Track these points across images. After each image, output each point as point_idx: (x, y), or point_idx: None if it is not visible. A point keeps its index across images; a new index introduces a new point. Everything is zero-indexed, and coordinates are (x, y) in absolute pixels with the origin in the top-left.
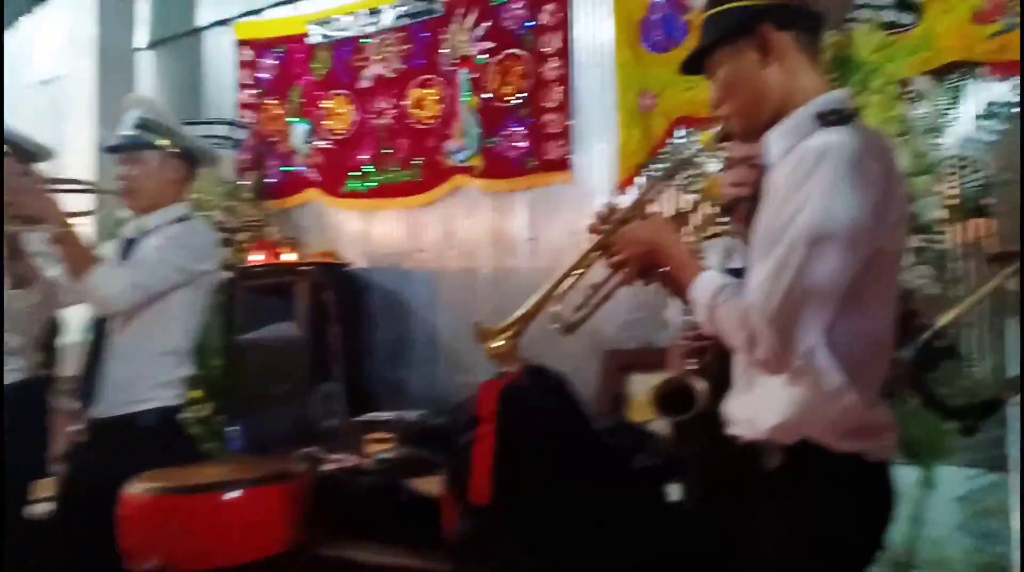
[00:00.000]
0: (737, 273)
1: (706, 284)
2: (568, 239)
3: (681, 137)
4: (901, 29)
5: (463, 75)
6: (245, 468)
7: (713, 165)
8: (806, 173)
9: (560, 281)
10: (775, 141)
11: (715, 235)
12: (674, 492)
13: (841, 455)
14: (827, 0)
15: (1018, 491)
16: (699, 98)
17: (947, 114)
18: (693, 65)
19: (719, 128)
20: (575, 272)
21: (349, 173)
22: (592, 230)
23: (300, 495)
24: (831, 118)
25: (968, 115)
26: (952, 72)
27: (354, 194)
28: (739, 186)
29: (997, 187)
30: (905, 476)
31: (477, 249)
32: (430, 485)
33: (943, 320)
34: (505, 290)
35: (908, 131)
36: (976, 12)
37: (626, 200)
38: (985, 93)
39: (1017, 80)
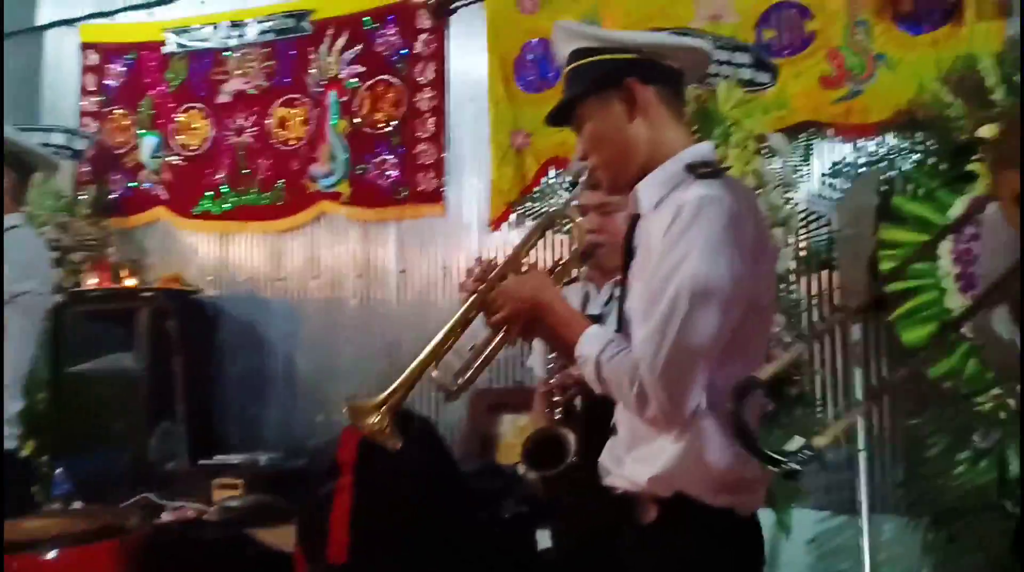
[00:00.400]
0: (594, 320)
1: (592, 340)
2: (440, 273)
3: (553, 179)
4: (758, 87)
5: (332, 97)
6: (68, 521)
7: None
8: (685, 226)
9: (439, 345)
10: (645, 192)
11: (573, 280)
12: (544, 539)
13: (715, 509)
14: (686, 58)
15: (867, 532)
16: (570, 140)
17: (798, 170)
18: (560, 116)
19: (584, 178)
20: (454, 333)
21: (203, 192)
22: (467, 289)
23: (132, 552)
24: (703, 170)
25: (816, 173)
26: (803, 131)
27: (207, 215)
28: (593, 233)
29: (841, 242)
30: (761, 520)
31: (342, 279)
32: (281, 537)
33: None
34: (372, 324)
35: (763, 185)
36: (824, 77)
37: (498, 244)
38: (831, 153)
39: (861, 142)
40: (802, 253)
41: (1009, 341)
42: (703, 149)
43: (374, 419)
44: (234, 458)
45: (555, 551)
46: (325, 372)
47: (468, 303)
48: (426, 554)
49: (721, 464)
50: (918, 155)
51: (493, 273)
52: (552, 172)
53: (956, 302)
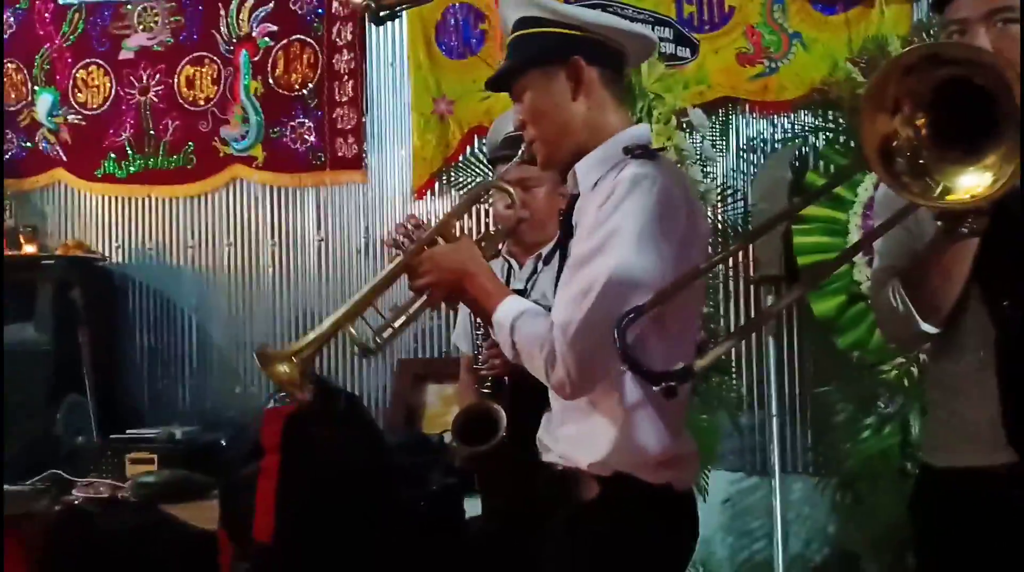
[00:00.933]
0: (518, 294)
1: (510, 307)
2: (362, 242)
3: (478, 148)
4: (679, 62)
5: (243, 57)
6: None
7: None
8: (617, 202)
9: (360, 302)
10: (584, 172)
11: (496, 254)
12: (472, 507)
13: (655, 486)
14: (633, 44)
15: (779, 493)
16: (496, 108)
17: (716, 146)
18: (500, 82)
19: (521, 151)
20: (376, 291)
21: (105, 154)
22: (393, 245)
23: (38, 539)
24: (638, 152)
25: (733, 148)
26: (721, 107)
27: (111, 178)
28: (511, 208)
29: (756, 216)
30: None
31: (259, 247)
32: (200, 513)
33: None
34: (290, 293)
35: (683, 159)
36: (741, 54)
37: (421, 213)
38: (748, 129)
39: (777, 118)
40: (719, 226)
41: (903, 313)
42: (640, 131)
43: (284, 368)
44: (147, 432)
45: (486, 526)
46: (241, 343)
47: (394, 265)
48: (353, 532)
49: (658, 446)
50: (830, 133)
51: (423, 236)
52: (477, 141)
53: (864, 275)
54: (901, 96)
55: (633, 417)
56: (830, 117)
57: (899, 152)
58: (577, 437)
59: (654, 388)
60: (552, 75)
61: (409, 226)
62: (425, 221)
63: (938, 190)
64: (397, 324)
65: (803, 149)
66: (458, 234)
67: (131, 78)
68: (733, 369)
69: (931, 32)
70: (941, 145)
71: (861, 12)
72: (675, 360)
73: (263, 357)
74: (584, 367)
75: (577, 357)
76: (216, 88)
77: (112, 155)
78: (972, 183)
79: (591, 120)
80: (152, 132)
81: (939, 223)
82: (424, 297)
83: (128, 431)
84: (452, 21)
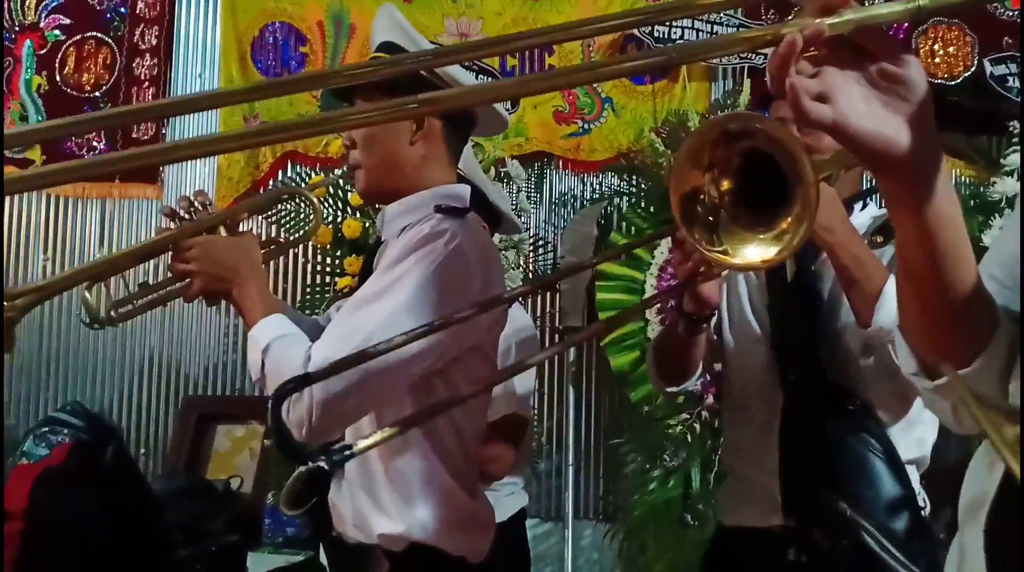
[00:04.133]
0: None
1: (271, 327)
2: (151, 261)
3: (292, 177)
4: None
5: (27, 48)
6: None
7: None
8: (407, 253)
9: (105, 264)
10: (392, 217)
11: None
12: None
13: (449, 559)
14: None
15: (570, 539)
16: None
17: (531, 197)
18: (344, 94)
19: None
20: (129, 259)
21: None
22: (169, 215)
23: None
24: (445, 208)
25: (547, 201)
26: (537, 160)
27: None
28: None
29: (563, 268)
30: None
31: (28, 261)
32: None
33: None
34: (64, 316)
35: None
36: (558, 112)
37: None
38: (560, 184)
39: (586, 177)
40: (530, 275)
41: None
42: (457, 190)
43: None
44: None
45: None
46: None
47: (161, 236)
48: None
49: (453, 509)
50: (633, 197)
51: (205, 217)
52: (290, 166)
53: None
54: (713, 158)
55: (426, 477)
56: (634, 182)
57: (701, 205)
58: (369, 503)
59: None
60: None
61: (195, 201)
62: (214, 206)
63: (720, 250)
64: (140, 302)
65: (608, 209)
66: (243, 231)
67: None
68: (535, 414)
69: (726, 110)
70: (735, 211)
71: (666, 85)
72: (473, 430)
73: None
74: (327, 411)
75: (325, 398)
76: None
77: None
78: (747, 249)
79: (420, 168)
80: None
81: (680, 321)
82: (182, 283)
83: None
84: (271, 39)
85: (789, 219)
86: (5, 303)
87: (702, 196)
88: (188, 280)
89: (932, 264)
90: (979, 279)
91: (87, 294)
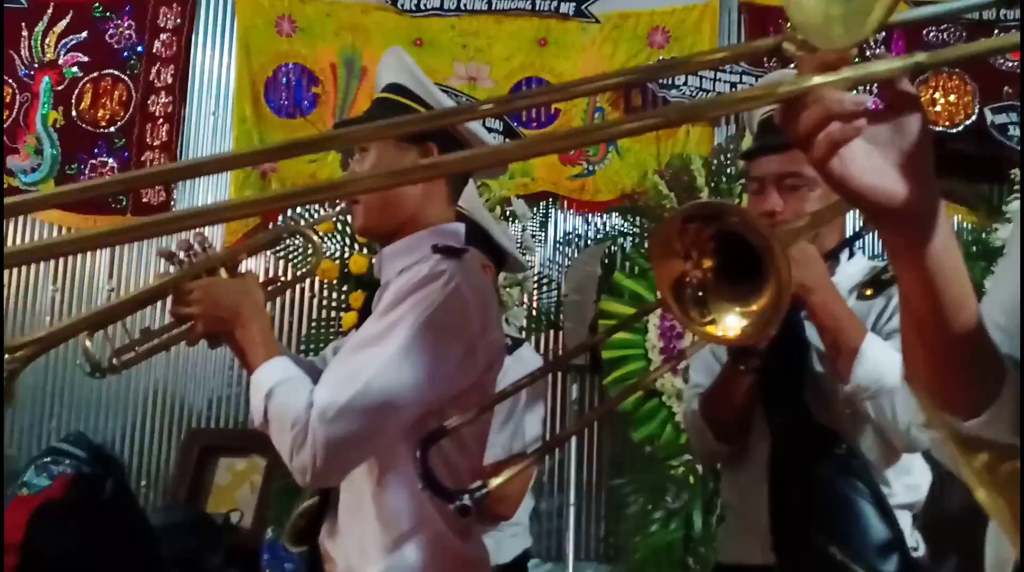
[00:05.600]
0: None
1: (274, 370)
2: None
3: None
4: None
5: (45, 84)
6: None
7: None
8: (406, 294)
9: (107, 312)
10: (389, 258)
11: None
12: None
13: None
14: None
15: None
16: (322, 173)
17: (535, 236)
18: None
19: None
20: (131, 305)
21: None
22: (167, 257)
23: None
24: (443, 248)
25: (551, 240)
26: (542, 200)
27: None
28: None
29: (568, 306)
30: None
31: (37, 292)
32: None
33: None
34: (70, 347)
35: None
36: (563, 153)
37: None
38: (564, 223)
39: (591, 217)
40: (534, 313)
41: (702, 430)
42: (454, 229)
43: None
44: None
45: None
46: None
47: (162, 281)
48: None
49: (446, 552)
50: (636, 238)
51: (205, 258)
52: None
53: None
54: (687, 244)
55: (417, 520)
56: (637, 222)
57: (689, 286)
58: (360, 545)
59: (449, 506)
60: (404, 148)
61: (194, 243)
62: (214, 247)
63: (707, 322)
64: (143, 348)
65: (612, 248)
66: (244, 271)
67: None
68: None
69: (728, 155)
70: (722, 284)
71: (670, 130)
72: (469, 467)
73: None
74: (332, 455)
75: (328, 443)
76: (7, 114)
77: None
78: (735, 323)
79: (419, 206)
80: None
81: (727, 358)
82: (184, 327)
83: None
84: (284, 80)
85: (766, 299)
86: (7, 356)
87: (688, 278)
88: (190, 324)
89: (936, 312)
90: (984, 327)
91: (87, 343)
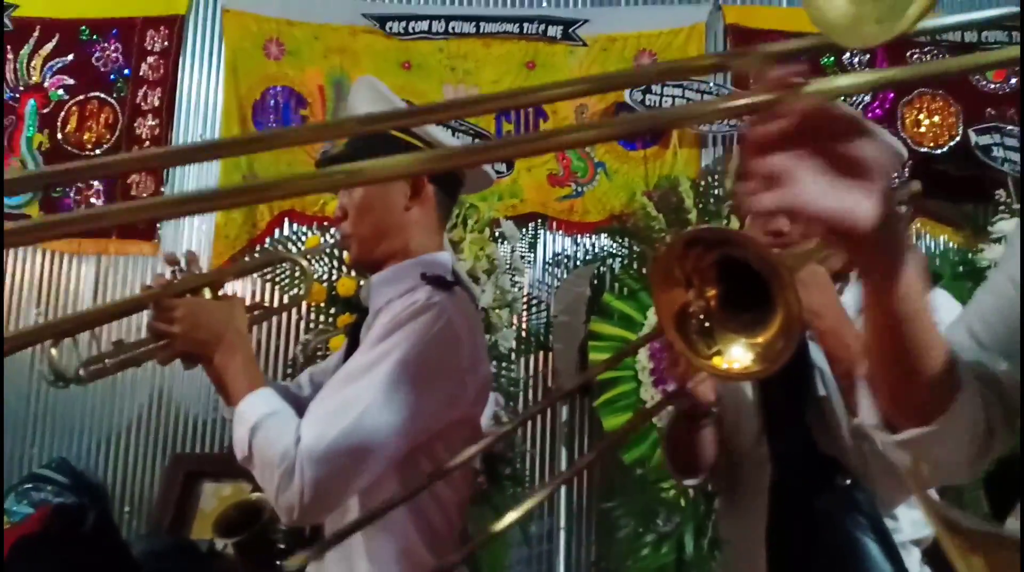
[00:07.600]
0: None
1: (260, 402)
2: (143, 319)
3: (289, 235)
4: (496, 175)
5: (30, 107)
6: None
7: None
8: (397, 326)
9: (77, 319)
10: (378, 287)
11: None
12: None
13: None
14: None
15: None
16: (309, 195)
17: (524, 257)
18: (337, 160)
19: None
20: (104, 315)
21: None
22: (156, 280)
23: None
24: (433, 279)
25: (540, 261)
26: (531, 221)
27: None
28: None
29: (557, 327)
30: None
31: (19, 314)
32: None
33: None
34: None
35: (494, 268)
36: (552, 175)
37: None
38: (553, 244)
39: (580, 238)
40: (523, 334)
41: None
42: (441, 258)
43: None
44: None
45: None
46: None
47: (142, 294)
48: None
49: None
50: (625, 259)
51: (190, 278)
52: (287, 224)
53: (649, 394)
54: (689, 271)
55: (403, 554)
56: (626, 243)
57: (693, 316)
58: (348, 568)
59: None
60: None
61: (181, 259)
62: (200, 267)
63: (712, 353)
64: (113, 361)
65: (601, 269)
66: (231, 294)
67: None
68: (527, 478)
69: (715, 176)
70: (727, 313)
71: (658, 151)
72: (457, 499)
73: None
74: (320, 494)
75: (317, 479)
76: None
77: None
78: (740, 354)
79: (411, 234)
80: None
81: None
82: (160, 343)
83: None
84: (272, 102)
85: (775, 329)
86: None
87: (691, 308)
88: (166, 341)
89: (896, 327)
90: (943, 345)
91: (53, 351)
